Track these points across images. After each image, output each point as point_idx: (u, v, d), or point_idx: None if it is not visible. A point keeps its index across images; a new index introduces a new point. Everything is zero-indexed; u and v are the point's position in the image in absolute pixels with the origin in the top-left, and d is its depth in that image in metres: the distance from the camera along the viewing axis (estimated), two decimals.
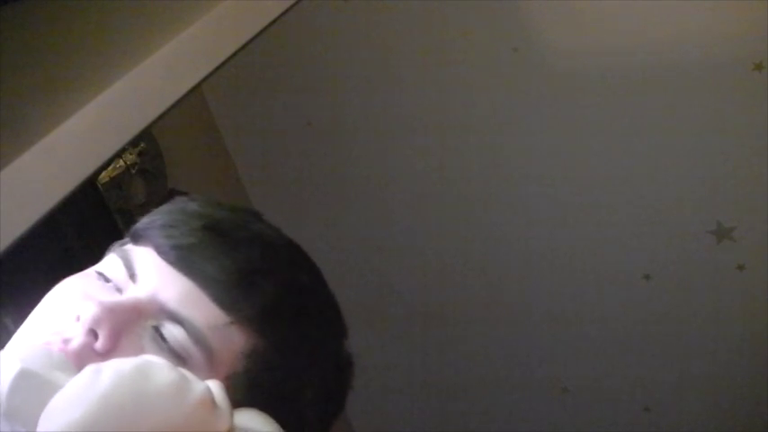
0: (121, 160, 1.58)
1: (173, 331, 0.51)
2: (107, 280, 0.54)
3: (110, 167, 1.53)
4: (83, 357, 0.48)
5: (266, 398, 0.52)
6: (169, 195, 1.71)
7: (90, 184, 1.43)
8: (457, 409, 2.06)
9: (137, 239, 0.57)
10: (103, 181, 1.54)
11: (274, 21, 0.84)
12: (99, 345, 0.49)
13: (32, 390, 0.44)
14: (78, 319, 0.50)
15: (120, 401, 0.42)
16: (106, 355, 0.49)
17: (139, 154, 1.63)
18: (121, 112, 0.67)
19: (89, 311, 0.50)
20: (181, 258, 0.53)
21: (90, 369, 0.44)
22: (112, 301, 0.51)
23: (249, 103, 1.90)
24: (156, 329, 0.51)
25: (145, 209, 1.67)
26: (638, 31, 1.47)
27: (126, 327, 0.50)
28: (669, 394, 1.80)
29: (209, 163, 1.95)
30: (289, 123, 1.88)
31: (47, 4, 0.86)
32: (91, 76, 0.69)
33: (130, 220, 1.69)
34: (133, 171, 1.62)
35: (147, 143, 1.64)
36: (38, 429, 0.42)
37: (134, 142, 1.45)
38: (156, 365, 0.46)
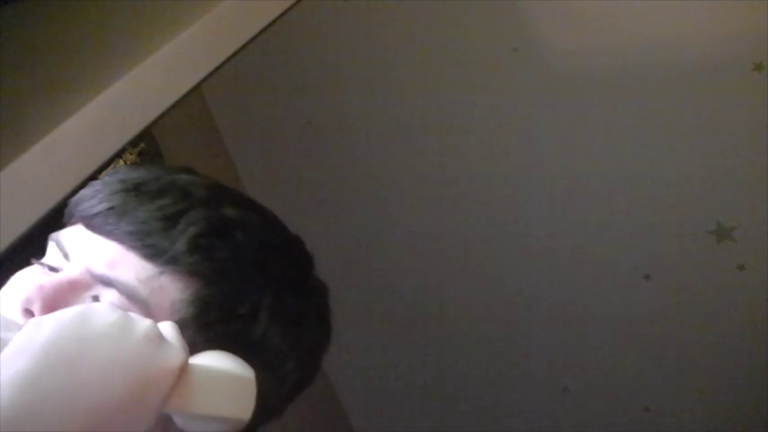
0: (121, 160, 1.58)
1: (108, 296, 0.51)
2: (48, 267, 0.55)
3: (110, 167, 1.53)
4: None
5: (232, 346, 0.51)
6: None
7: None
8: (457, 409, 2.06)
9: (68, 219, 0.58)
10: None
11: (274, 21, 0.84)
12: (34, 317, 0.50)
13: None
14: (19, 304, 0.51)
15: (63, 346, 0.42)
16: None
17: (139, 154, 1.63)
18: (121, 112, 0.67)
19: (23, 293, 0.51)
20: (101, 224, 0.54)
21: (32, 322, 0.44)
22: (46, 281, 0.52)
23: (249, 103, 1.90)
24: (95, 298, 0.52)
25: None
26: (638, 31, 1.47)
27: (61, 301, 0.51)
28: (669, 394, 1.80)
29: (209, 163, 1.95)
30: (289, 123, 1.88)
31: (47, 4, 0.86)
32: (91, 76, 0.69)
33: None
34: None
35: (147, 143, 1.64)
36: None
37: (134, 142, 1.45)
38: (97, 309, 0.46)
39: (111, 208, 0.54)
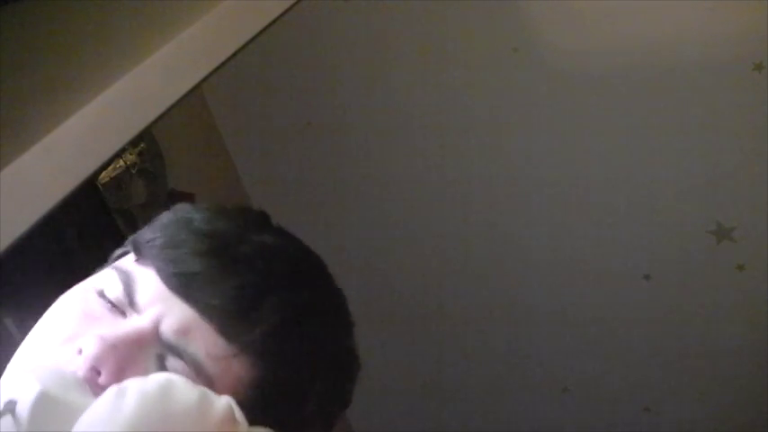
0: (121, 160, 1.58)
1: (174, 364, 0.50)
2: (108, 301, 0.53)
3: (110, 167, 1.53)
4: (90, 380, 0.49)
5: (271, 413, 0.52)
6: (169, 195, 1.71)
7: (90, 184, 1.43)
8: (457, 409, 2.06)
9: (137, 255, 0.55)
10: (103, 181, 1.53)
11: (274, 21, 0.84)
12: (103, 380, 0.49)
13: (52, 414, 0.44)
14: (80, 352, 0.49)
15: (147, 422, 0.43)
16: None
17: (139, 154, 1.63)
18: (121, 112, 0.67)
19: (90, 347, 0.49)
20: (183, 286, 0.52)
21: (113, 391, 0.44)
22: (114, 336, 0.50)
23: (249, 103, 1.90)
24: (160, 358, 0.51)
25: (145, 209, 1.68)
26: (638, 31, 1.47)
27: (128, 361, 0.50)
28: (669, 394, 1.80)
29: (209, 163, 1.95)
30: (289, 123, 1.88)
31: (47, 4, 0.86)
32: (91, 76, 0.69)
33: (130, 220, 1.69)
34: (133, 171, 1.62)
35: (147, 143, 1.64)
36: None
37: (134, 142, 1.45)
38: (178, 383, 0.46)
39: (195, 273, 0.52)
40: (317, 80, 1.80)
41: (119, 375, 0.48)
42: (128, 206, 1.59)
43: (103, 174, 1.52)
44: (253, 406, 0.50)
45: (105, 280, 0.55)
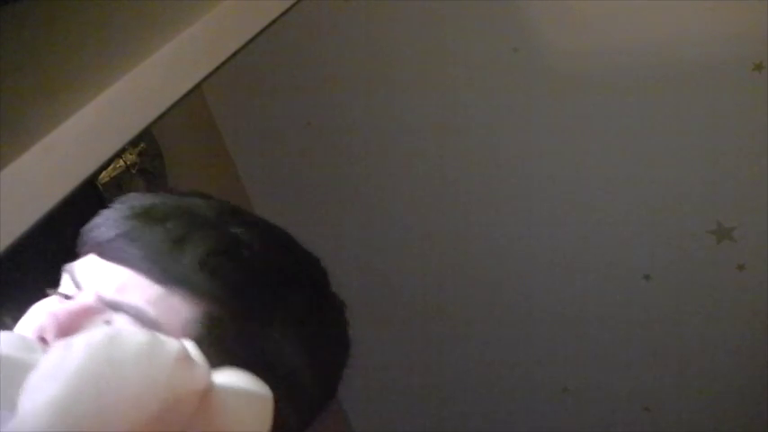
0: (121, 160, 1.58)
1: (118, 321, 0.52)
2: (64, 297, 0.56)
3: (110, 167, 1.53)
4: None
5: (246, 364, 0.51)
6: None
7: (90, 184, 1.43)
8: (457, 409, 2.06)
9: (80, 249, 0.59)
10: (103, 181, 1.53)
11: (274, 21, 0.84)
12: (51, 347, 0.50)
13: (7, 371, 0.45)
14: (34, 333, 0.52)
15: (95, 370, 0.43)
16: None
17: (139, 154, 1.63)
18: (121, 112, 0.67)
19: (37, 322, 0.52)
20: (110, 249, 0.55)
21: (60, 345, 0.45)
22: (61, 309, 0.53)
23: (249, 103, 1.90)
24: (107, 323, 0.53)
25: None
26: (638, 31, 1.47)
27: (74, 328, 0.52)
28: (669, 394, 1.80)
29: (209, 163, 1.95)
30: (289, 123, 1.88)
31: (47, 4, 0.86)
32: (91, 76, 0.69)
33: None
34: (133, 171, 1.62)
35: (147, 143, 1.64)
36: (20, 410, 0.42)
37: (134, 142, 1.45)
38: (126, 331, 0.46)
39: (120, 234, 0.55)
40: (317, 80, 1.80)
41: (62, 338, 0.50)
42: None
43: (103, 174, 1.52)
44: (210, 345, 0.52)
45: (62, 284, 0.58)
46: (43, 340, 0.51)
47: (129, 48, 0.73)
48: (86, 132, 0.64)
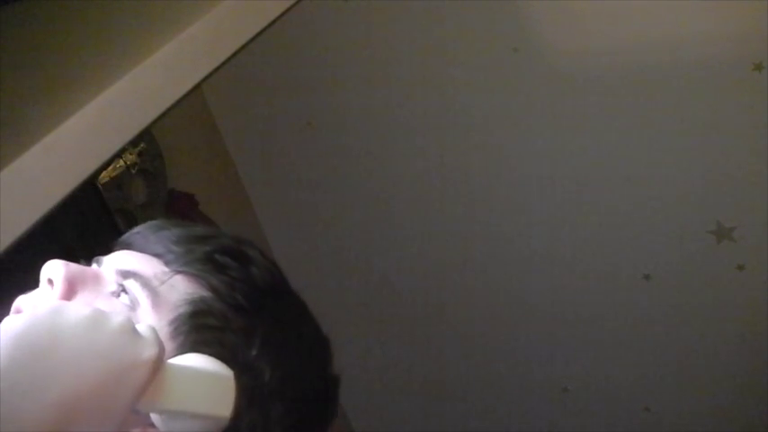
0: (121, 160, 1.58)
1: (125, 283, 0.56)
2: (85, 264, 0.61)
3: (110, 167, 1.53)
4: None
5: (214, 351, 0.54)
6: (169, 195, 1.71)
7: (90, 184, 1.43)
8: (457, 409, 2.06)
9: (113, 250, 0.63)
10: (103, 181, 1.54)
11: (274, 21, 0.84)
12: (53, 291, 0.54)
13: None
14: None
15: (34, 338, 0.44)
16: None
17: (139, 154, 1.63)
18: (121, 112, 0.67)
19: (51, 264, 0.56)
20: (135, 240, 0.61)
21: (9, 317, 0.47)
22: (75, 265, 0.56)
23: (249, 103, 1.90)
24: (113, 292, 0.56)
25: (145, 209, 1.68)
26: (638, 31, 1.47)
27: (80, 283, 0.55)
28: (669, 394, 1.80)
29: (209, 163, 1.95)
30: (289, 123, 1.88)
31: (47, 4, 0.86)
32: (91, 76, 0.69)
33: (130, 220, 1.69)
34: (133, 171, 1.62)
35: (147, 143, 1.64)
36: None
37: (134, 142, 1.45)
38: (71, 305, 0.48)
39: (147, 227, 0.62)
40: (317, 80, 1.80)
41: (68, 289, 0.54)
42: (128, 206, 1.59)
43: (103, 174, 1.52)
44: (193, 326, 0.54)
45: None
46: (51, 283, 0.54)
47: (129, 48, 0.73)
48: (86, 132, 0.64)
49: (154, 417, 0.49)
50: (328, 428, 0.63)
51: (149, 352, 0.47)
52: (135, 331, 0.47)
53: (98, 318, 0.46)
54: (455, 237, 1.85)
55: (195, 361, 0.51)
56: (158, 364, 0.47)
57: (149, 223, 0.63)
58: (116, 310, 0.54)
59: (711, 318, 1.66)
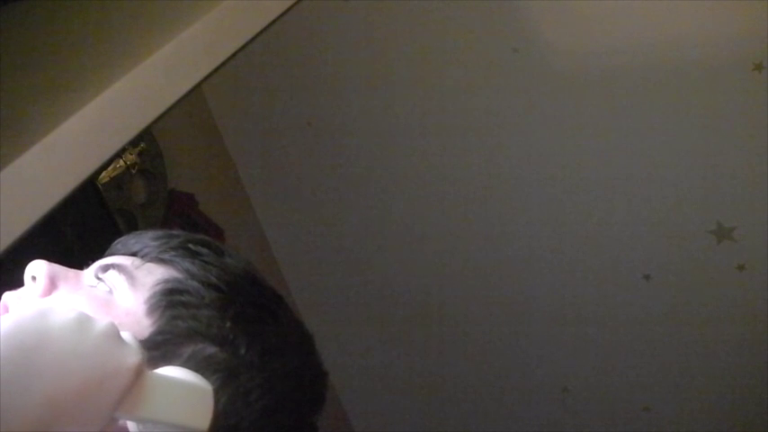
0: (121, 160, 1.58)
1: (104, 275, 0.58)
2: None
3: (110, 167, 1.53)
4: (23, 302, 0.56)
5: (190, 324, 0.55)
6: (169, 195, 1.71)
7: (90, 184, 1.43)
8: (457, 409, 2.06)
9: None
10: (103, 181, 1.54)
11: (274, 21, 0.84)
12: (36, 286, 0.56)
13: None
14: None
15: (21, 338, 0.44)
16: (43, 297, 0.56)
17: (139, 154, 1.63)
18: (121, 112, 0.67)
19: (34, 264, 0.57)
20: (118, 247, 0.63)
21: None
22: (57, 264, 0.59)
23: (249, 103, 1.90)
24: (92, 286, 0.58)
25: (145, 209, 1.68)
26: (638, 31, 1.47)
27: (62, 277, 0.57)
28: (669, 394, 1.80)
29: (209, 163, 1.95)
30: (289, 123, 1.88)
31: (47, 4, 0.86)
32: (91, 76, 0.69)
33: (130, 220, 1.68)
34: (133, 171, 1.62)
35: (147, 143, 1.64)
36: None
37: (134, 142, 1.45)
38: (57, 307, 0.48)
39: (129, 235, 0.64)
40: (317, 80, 1.80)
41: (50, 285, 0.56)
42: (128, 206, 1.59)
43: (103, 174, 1.52)
44: (168, 304, 0.56)
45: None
46: (34, 279, 0.56)
47: (129, 48, 0.73)
48: (86, 132, 0.64)
49: (131, 425, 0.49)
50: (312, 420, 0.63)
51: (132, 359, 0.47)
52: (119, 337, 0.48)
53: (84, 321, 0.47)
54: (455, 237, 1.85)
55: (176, 372, 0.52)
56: (140, 371, 0.48)
57: (132, 233, 0.66)
58: (96, 295, 0.57)
59: (711, 318, 1.66)
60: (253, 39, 0.81)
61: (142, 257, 0.60)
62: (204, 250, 0.61)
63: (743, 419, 1.73)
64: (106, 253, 0.65)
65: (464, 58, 1.64)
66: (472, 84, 1.65)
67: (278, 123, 1.90)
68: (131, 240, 0.63)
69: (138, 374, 0.47)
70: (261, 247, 2.00)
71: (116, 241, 0.65)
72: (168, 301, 0.56)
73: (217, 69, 0.77)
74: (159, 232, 0.64)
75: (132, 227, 1.56)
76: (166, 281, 0.58)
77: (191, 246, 0.61)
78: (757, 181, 1.49)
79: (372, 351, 2.05)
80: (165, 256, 0.60)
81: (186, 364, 0.54)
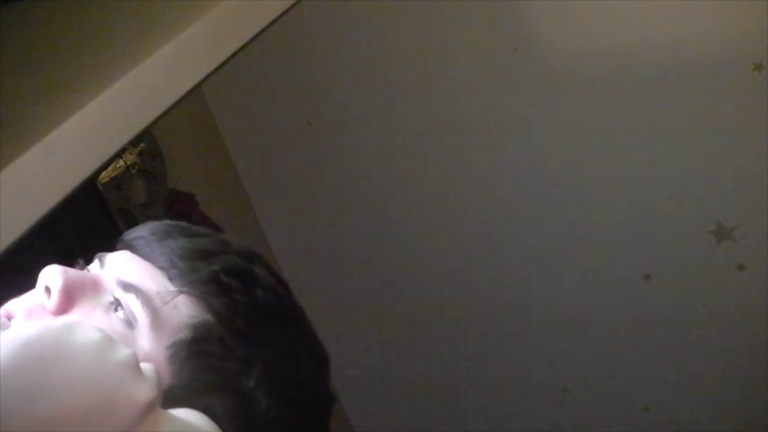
0: (121, 160, 1.58)
1: (125, 297, 0.55)
2: (85, 268, 0.60)
3: (110, 167, 1.53)
4: (33, 315, 0.54)
5: (212, 378, 0.54)
6: (169, 195, 1.71)
7: (90, 184, 1.43)
8: (457, 409, 2.06)
9: (116, 248, 0.63)
10: (103, 181, 1.53)
11: (274, 21, 0.84)
12: (50, 301, 0.54)
13: None
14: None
15: (42, 349, 0.43)
16: (56, 314, 0.53)
17: (139, 154, 1.63)
18: (121, 112, 0.67)
19: (48, 272, 0.55)
20: (140, 245, 0.60)
21: (21, 322, 0.47)
22: (74, 271, 0.56)
23: (249, 103, 1.90)
24: (112, 306, 0.55)
25: (145, 209, 1.68)
26: (638, 31, 1.47)
27: (79, 291, 0.55)
28: (669, 394, 1.80)
29: (209, 163, 1.95)
30: (289, 123, 1.88)
31: (47, 4, 0.86)
32: (91, 76, 0.69)
33: (130, 220, 1.69)
34: (133, 171, 1.62)
35: (147, 143, 1.64)
36: None
37: (134, 142, 1.45)
38: (85, 325, 0.47)
39: (153, 233, 0.61)
40: (317, 80, 1.80)
41: (65, 300, 0.54)
42: (128, 206, 1.59)
43: (103, 174, 1.52)
44: (193, 352, 0.54)
45: (91, 265, 0.62)
46: (48, 290, 0.54)
47: (129, 48, 0.73)
48: (86, 132, 0.64)
49: None
50: None
51: (146, 394, 0.46)
52: (138, 369, 0.47)
53: (105, 345, 0.46)
54: (455, 237, 1.85)
55: (189, 416, 0.50)
56: (152, 408, 0.46)
57: (155, 227, 0.62)
58: (113, 327, 0.53)
59: (711, 318, 1.66)
60: (253, 39, 0.81)
61: (168, 279, 0.57)
62: (236, 284, 0.57)
63: (743, 419, 1.73)
64: (125, 241, 0.62)
65: (464, 58, 1.64)
66: (472, 84, 1.65)
67: (278, 123, 1.90)
68: (156, 246, 0.59)
69: (149, 411, 0.46)
70: (261, 247, 2.00)
71: (139, 234, 0.61)
72: (192, 350, 0.54)
73: (217, 69, 0.77)
74: (187, 245, 0.59)
75: (132, 227, 1.56)
76: (193, 326, 0.55)
77: (222, 278, 0.57)
78: (757, 181, 1.49)
79: (372, 351, 2.05)
80: (194, 290, 0.56)
81: (203, 411, 0.52)
